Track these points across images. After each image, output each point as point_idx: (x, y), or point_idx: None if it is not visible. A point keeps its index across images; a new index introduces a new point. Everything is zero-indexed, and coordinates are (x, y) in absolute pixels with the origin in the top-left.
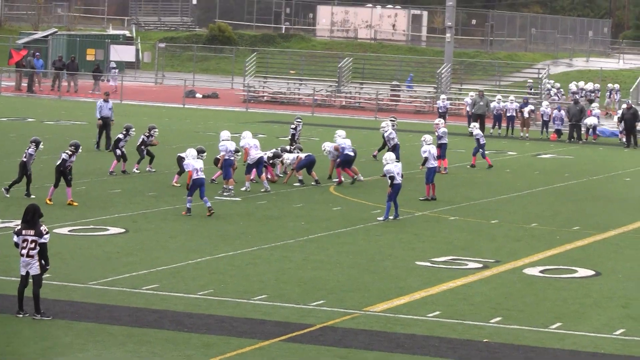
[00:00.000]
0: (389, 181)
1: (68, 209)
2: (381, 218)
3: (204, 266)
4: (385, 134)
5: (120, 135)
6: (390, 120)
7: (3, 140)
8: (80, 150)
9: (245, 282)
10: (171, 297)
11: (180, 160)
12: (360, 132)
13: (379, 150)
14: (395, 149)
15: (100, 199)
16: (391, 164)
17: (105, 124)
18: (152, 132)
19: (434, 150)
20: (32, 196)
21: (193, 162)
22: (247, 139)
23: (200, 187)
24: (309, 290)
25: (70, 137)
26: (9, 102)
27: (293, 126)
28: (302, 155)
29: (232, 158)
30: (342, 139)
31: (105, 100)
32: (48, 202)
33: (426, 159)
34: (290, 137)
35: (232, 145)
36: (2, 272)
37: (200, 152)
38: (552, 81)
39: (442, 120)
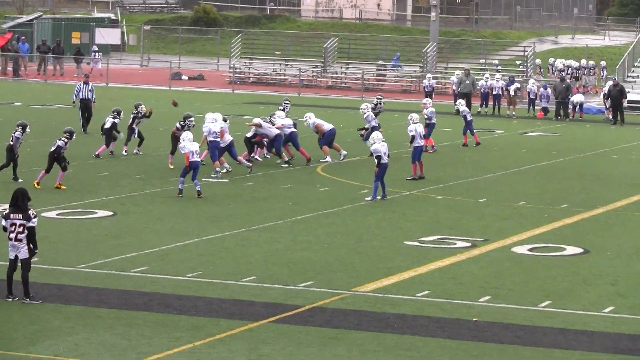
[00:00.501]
0: (376, 161)
1: (56, 193)
2: (369, 198)
3: (192, 248)
4: (364, 116)
5: (116, 120)
6: (377, 99)
7: None
8: (74, 137)
9: (233, 264)
10: (160, 280)
11: (174, 138)
12: (347, 112)
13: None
14: (373, 130)
15: (87, 182)
16: (378, 144)
17: (85, 106)
18: (139, 108)
19: (420, 129)
20: (20, 180)
21: (189, 144)
22: (220, 122)
23: (194, 170)
24: (298, 271)
25: (58, 121)
26: None
27: (281, 107)
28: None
29: (217, 139)
30: (281, 120)
31: (85, 83)
32: (36, 185)
33: (413, 138)
34: None
35: (216, 127)
36: None
37: (187, 117)
38: (559, 60)
39: (429, 100)
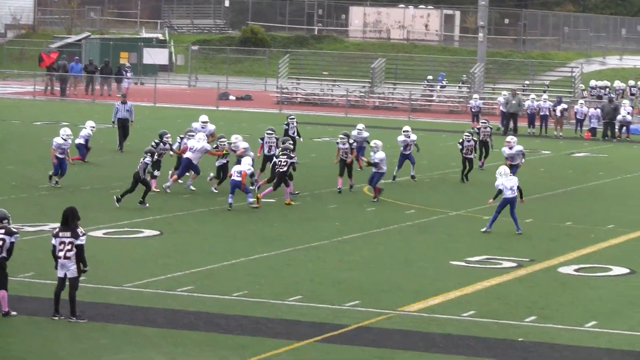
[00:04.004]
0: (496, 193)
1: (102, 212)
2: (484, 229)
3: (239, 268)
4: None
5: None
6: (290, 119)
7: (37, 144)
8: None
9: (280, 283)
10: (206, 299)
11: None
12: (395, 132)
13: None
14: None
15: (134, 202)
16: (503, 178)
17: (123, 125)
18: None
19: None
20: (147, 205)
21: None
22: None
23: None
24: (344, 291)
25: (105, 140)
26: (42, 106)
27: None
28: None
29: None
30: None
31: (123, 102)
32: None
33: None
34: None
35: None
36: (37, 275)
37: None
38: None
39: (514, 138)
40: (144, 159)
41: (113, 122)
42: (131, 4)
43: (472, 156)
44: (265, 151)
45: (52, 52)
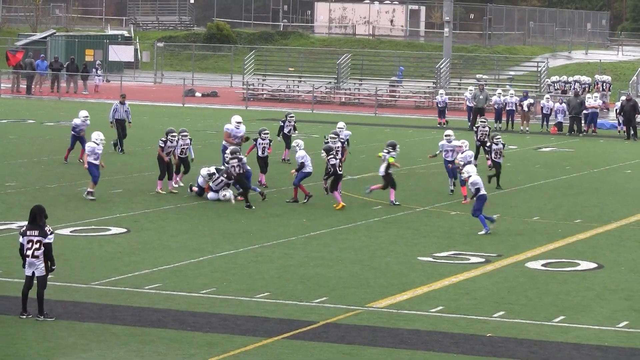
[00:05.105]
0: (474, 192)
1: (69, 210)
2: (482, 232)
3: (206, 265)
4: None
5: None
6: (290, 117)
7: (3, 142)
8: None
9: (247, 280)
10: (174, 296)
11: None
12: (361, 128)
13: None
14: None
15: (101, 199)
16: (475, 176)
17: (121, 127)
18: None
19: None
20: (253, 207)
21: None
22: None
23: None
24: (312, 287)
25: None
26: (8, 104)
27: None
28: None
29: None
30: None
31: (122, 103)
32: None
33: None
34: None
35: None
36: (4, 274)
37: (168, 133)
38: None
39: (465, 142)
40: (227, 164)
41: (111, 123)
42: (96, 1)
43: (500, 160)
44: (259, 153)
45: (18, 52)
